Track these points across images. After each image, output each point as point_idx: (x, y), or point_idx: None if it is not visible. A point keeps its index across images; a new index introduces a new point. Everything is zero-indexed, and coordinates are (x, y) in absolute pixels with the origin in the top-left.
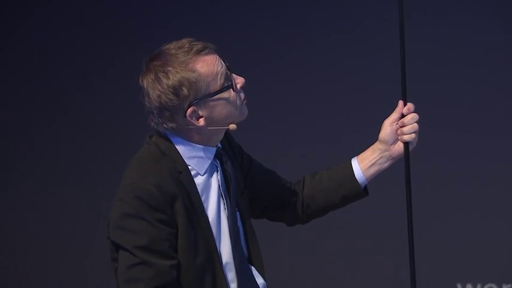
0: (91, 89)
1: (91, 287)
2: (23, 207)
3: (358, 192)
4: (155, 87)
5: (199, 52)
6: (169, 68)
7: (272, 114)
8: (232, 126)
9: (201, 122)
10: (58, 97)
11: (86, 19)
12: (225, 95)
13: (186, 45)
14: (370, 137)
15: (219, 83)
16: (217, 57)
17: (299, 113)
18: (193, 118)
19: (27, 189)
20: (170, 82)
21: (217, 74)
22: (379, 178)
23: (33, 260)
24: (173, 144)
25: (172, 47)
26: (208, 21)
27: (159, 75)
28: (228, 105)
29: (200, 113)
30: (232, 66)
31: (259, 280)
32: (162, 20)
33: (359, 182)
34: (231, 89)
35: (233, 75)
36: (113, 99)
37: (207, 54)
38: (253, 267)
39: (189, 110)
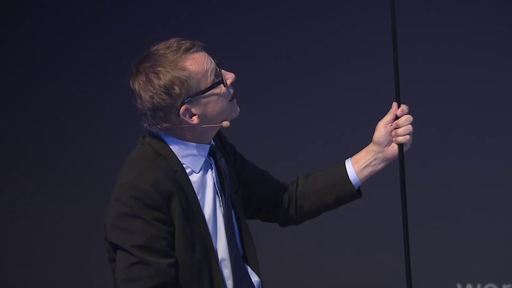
0: (91, 89)
1: (91, 286)
2: (23, 207)
3: (351, 193)
4: (147, 89)
5: (187, 50)
6: (160, 69)
7: (266, 115)
8: (225, 123)
9: (195, 119)
10: (58, 97)
11: (86, 19)
12: (216, 90)
13: (174, 45)
14: (364, 139)
15: (209, 79)
16: (206, 54)
17: (293, 114)
18: (187, 116)
19: (27, 189)
20: (162, 82)
21: (207, 70)
22: (375, 179)
23: (34, 260)
24: (167, 144)
25: (160, 47)
26: (207, 21)
27: (150, 76)
28: (220, 101)
29: (193, 110)
30: (228, 67)
31: (254, 278)
32: (163, 20)
33: (353, 183)
34: (222, 85)
35: (222, 71)
36: (113, 99)
37: (195, 52)
38: (248, 265)
39: (182, 109)
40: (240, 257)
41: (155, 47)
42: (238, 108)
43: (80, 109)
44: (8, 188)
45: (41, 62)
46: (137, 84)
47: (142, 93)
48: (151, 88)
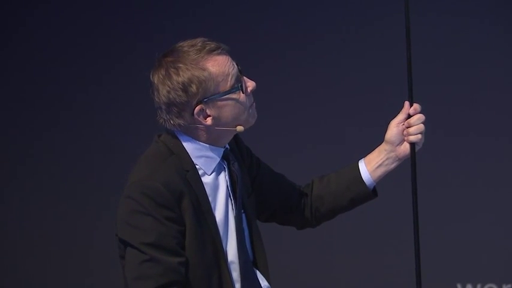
0: (92, 89)
1: (91, 286)
2: (23, 207)
3: (366, 194)
4: (165, 83)
5: (211, 51)
6: (180, 65)
7: (279, 117)
8: (240, 128)
9: (209, 121)
10: (58, 97)
11: (87, 19)
12: (234, 96)
13: (199, 44)
14: (376, 138)
15: (229, 83)
16: (229, 58)
17: (306, 115)
18: (201, 116)
19: (27, 189)
20: (180, 79)
21: (228, 74)
22: (384, 179)
23: (34, 260)
24: (181, 143)
25: (185, 44)
26: (207, 21)
27: (170, 71)
28: (237, 107)
29: (208, 112)
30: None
31: (263, 282)
32: (164, 21)
33: (366, 183)
34: (241, 91)
35: (244, 78)
36: (113, 99)
37: (219, 54)
38: (257, 270)
39: (197, 108)
40: (250, 261)
41: (180, 43)
42: (255, 117)
43: (81, 109)
44: (8, 188)
45: (42, 61)
46: (156, 77)
47: (160, 87)
48: (169, 83)
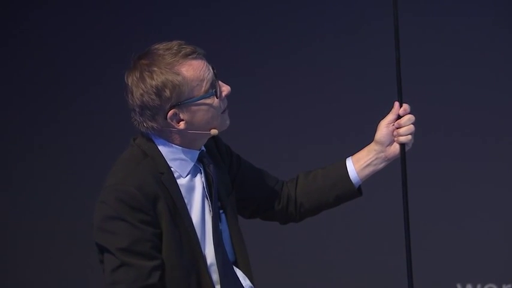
0: (91, 89)
1: (91, 286)
2: (23, 206)
3: (351, 192)
4: (139, 86)
5: (186, 56)
6: (155, 68)
7: (268, 116)
8: (214, 131)
9: (182, 125)
10: (58, 97)
11: (86, 19)
12: (208, 101)
13: (175, 47)
14: (366, 139)
15: (203, 88)
16: (205, 63)
17: (295, 114)
18: (174, 121)
19: (27, 189)
20: (154, 82)
21: (202, 79)
22: (376, 179)
23: (33, 260)
24: (156, 146)
25: (161, 47)
26: (207, 21)
27: (144, 75)
28: (210, 112)
29: (181, 116)
30: (228, 69)
31: (245, 282)
32: (164, 20)
33: (353, 182)
34: (215, 96)
35: (219, 82)
36: (113, 98)
37: (194, 58)
38: (239, 270)
39: (170, 112)
40: (229, 262)
41: (156, 46)
42: (228, 121)
43: (80, 109)
44: (8, 187)
45: (42, 60)
46: (131, 80)
47: (134, 89)
48: (143, 86)
